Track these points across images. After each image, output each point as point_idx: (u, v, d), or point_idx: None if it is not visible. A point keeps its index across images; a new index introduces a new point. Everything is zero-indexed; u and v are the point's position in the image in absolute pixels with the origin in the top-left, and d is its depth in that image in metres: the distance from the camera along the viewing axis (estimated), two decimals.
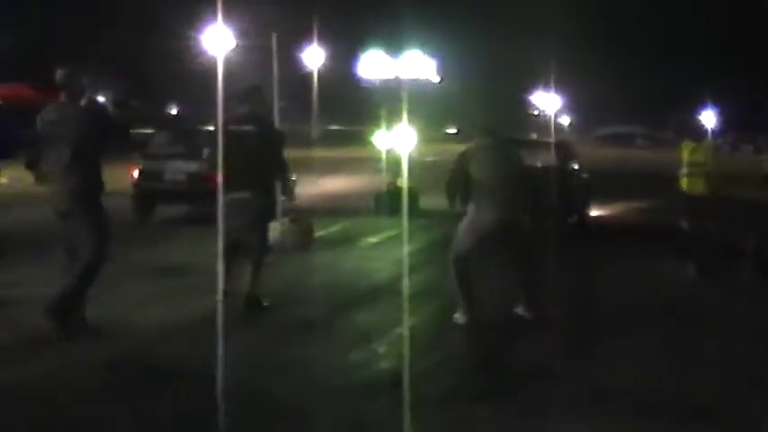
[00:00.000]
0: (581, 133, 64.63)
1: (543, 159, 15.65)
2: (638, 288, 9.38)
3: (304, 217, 10.55)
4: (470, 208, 7.51)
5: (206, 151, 13.72)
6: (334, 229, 13.30)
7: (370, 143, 19.29)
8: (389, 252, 10.75)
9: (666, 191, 12.96)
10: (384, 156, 16.21)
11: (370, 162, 22.92)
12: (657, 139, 67.29)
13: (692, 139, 10.92)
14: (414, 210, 12.43)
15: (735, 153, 50.40)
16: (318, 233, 12.05)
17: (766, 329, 7.77)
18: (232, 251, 7.38)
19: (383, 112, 16.12)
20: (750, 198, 14.07)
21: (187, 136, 15.69)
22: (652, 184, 21.26)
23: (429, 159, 24.16)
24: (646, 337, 7.21)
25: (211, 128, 14.38)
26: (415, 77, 39.52)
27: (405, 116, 5.71)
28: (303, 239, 11.32)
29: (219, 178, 5.28)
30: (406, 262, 5.35)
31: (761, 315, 8.28)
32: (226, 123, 5.66)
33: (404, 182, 5.38)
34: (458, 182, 7.61)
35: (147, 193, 14.30)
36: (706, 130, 12.04)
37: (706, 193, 10.46)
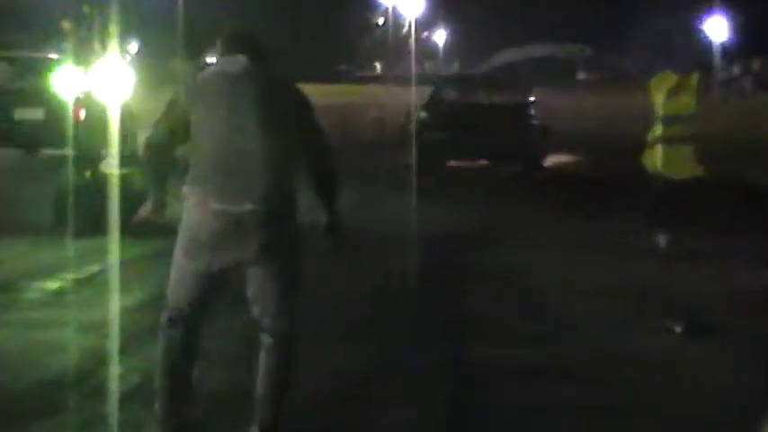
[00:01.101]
0: (468, 61, 66.25)
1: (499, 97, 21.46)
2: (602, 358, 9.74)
3: None
4: (185, 198, 7.11)
5: None
6: None
7: (44, 88, 19.18)
8: (79, 312, 10.62)
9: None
10: (72, 115, 16.16)
11: (37, 125, 22.70)
12: (617, 70, 69.86)
13: (676, 68, 11.23)
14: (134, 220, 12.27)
15: (760, 94, 52.57)
16: None
17: None
18: None
19: (68, 26, 16.01)
20: None
21: None
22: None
23: None
24: None
25: None
26: None
27: (114, 35, 5.75)
28: None
29: None
30: (115, 332, 5.39)
31: None
32: None
33: (113, 167, 5.42)
34: (167, 140, 7.27)
35: None
36: (708, 52, 12.54)
37: (697, 176, 10.78)
